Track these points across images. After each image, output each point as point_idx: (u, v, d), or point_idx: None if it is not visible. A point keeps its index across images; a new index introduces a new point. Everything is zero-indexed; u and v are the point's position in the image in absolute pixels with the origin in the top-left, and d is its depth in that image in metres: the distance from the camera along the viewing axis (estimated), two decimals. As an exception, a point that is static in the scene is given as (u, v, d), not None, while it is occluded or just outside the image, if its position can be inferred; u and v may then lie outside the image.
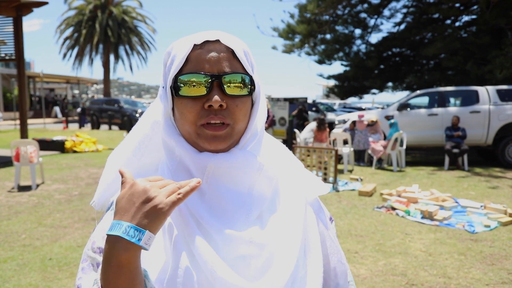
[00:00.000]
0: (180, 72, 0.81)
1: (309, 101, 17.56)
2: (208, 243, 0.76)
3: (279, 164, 0.89)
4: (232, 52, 0.82)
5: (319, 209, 0.96)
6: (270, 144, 0.91)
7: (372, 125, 10.79)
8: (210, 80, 0.79)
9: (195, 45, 0.81)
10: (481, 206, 6.20)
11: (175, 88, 0.81)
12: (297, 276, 0.80)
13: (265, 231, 0.80)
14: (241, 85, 0.81)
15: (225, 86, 0.79)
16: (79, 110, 25.67)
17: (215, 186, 0.81)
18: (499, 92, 10.47)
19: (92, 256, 0.81)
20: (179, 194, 0.68)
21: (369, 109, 24.25)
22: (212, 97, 0.78)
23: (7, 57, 11.41)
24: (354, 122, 11.27)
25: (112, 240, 0.67)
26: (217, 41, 0.82)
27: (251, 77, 0.83)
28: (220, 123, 0.80)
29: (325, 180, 8.04)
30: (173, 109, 0.85)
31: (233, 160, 0.80)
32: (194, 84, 0.79)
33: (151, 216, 0.67)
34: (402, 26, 16.89)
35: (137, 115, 21.72)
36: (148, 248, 0.67)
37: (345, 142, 10.53)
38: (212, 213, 0.79)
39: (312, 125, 10.95)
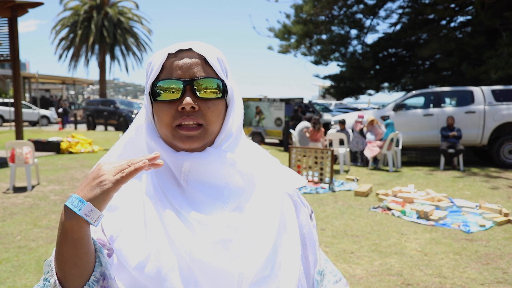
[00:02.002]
0: (157, 79, 0.88)
1: (305, 101, 17.54)
2: (186, 229, 0.81)
3: (256, 161, 0.96)
4: (204, 59, 0.89)
5: (299, 201, 1.01)
6: (247, 145, 0.97)
7: (365, 127, 10.81)
8: (182, 84, 0.85)
9: (169, 54, 0.88)
10: (476, 206, 6.23)
11: (153, 94, 0.88)
12: (275, 261, 0.86)
13: (242, 217, 0.85)
14: (213, 88, 0.87)
15: (196, 90, 0.86)
16: (60, 110, 25.58)
17: (193, 182, 0.87)
18: (494, 92, 10.52)
19: None
20: (123, 173, 0.74)
21: (365, 109, 24.30)
22: (184, 100, 0.85)
23: (2, 58, 11.34)
24: (343, 122, 11.19)
25: (63, 209, 0.74)
26: (190, 49, 0.89)
27: (223, 82, 0.89)
28: (194, 124, 0.86)
29: (321, 180, 8.05)
30: (153, 113, 0.92)
31: (207, 158, 0.86)
32: (168, 89, 0.86)
33: (95, 190, 0.73)
34: (398, 27, 16.96)
35: (133, 115, 21.68)
36: (91, 221, 0.72)
37: (341, 143, 10.55)
38: (191, 204, 0.85)
39: (301, 126, 10.98)
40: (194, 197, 0.85)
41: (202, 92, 0.86)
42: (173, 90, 0.85)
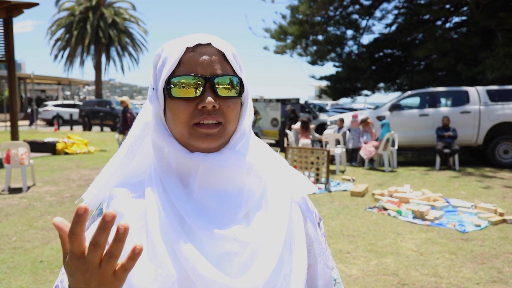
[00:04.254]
0: (172, 74, 0.82)
1: (301, 101, 17.56)
2: (191, 241, 0.77)
3: (266, 163, 0.91)
4: (223, 55, 0.84)
5: (307, 209, 0.97)
6: (256, 144, 0.93)
7: (364, 120, 10.84)
8: (203, 82, 0.81)
9: (187, 48, 0.83)
10: (472, 205, 6.25)
11: (167, 90, 0.83)
12: (281, 273, 0.81)
13: (249, 229, 0.81)
14: (232, 86, 0.83)
15: (217, 88, 0.81)
16: (29, 111, 25.56)
17: (205, 186, 0.82)
18: (489, 92, 10.57)
19: None
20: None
21: (361, 109, 24.36)
22: (205, 99, 0.80)
23: (-3, 59, 11.32)
24: (341, 120, 11.33)
25: None
26: (209, 44, 0.84)
27: (240, 79, 0.85)
28: (213, 123, 0.82)
29: (317, 180, 8.06)
30: (164, 110, 0.86)
31: (224, 160, 0.82)
32: (187, 86, 0.81)
33: None
34: (394, 27, 17.00)
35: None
36: None
37: (337, 143, 10.57)
38: (199, 212, 0.80)
39: (297, 126, 11.07)
40: (203, 204, 0.81)
41: (222, 90, 0.82)
42: (193, 87, 0.81)
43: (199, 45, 0.83)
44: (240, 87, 0.85)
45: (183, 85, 0.81)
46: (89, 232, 0.83)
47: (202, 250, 0.76)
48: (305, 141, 10.22)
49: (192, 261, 0.74)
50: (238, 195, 0.83)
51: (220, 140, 0.82)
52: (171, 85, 0.82)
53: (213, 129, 0.81)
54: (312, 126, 10.86)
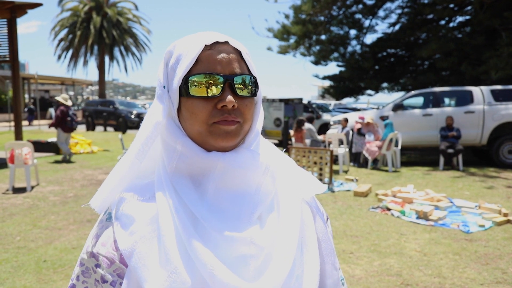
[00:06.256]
0: (190, 72, 0.80)
1: (304, 101, 17.53)
2: (206, 244, 0.75)
3: (277, 163, 0.90)
4: (239, 54, 0.84)
5: (317, 208, 0.96)
6: (265, 144, 0.92)
7: (359, 130, 10.82)
8: (222, 80, 0.80)
9: (205, 45, 0.81)
10: (476, 206, 6.23)
11: (184, 88, 0.81)
12: (294, 274, 0.80)
13: (264, 231, 0.79)
14: (249, 86, 0.82)
15: (236, 87, 0.80)
16: (26, 110, 25.67)
17: (220, 187, 0.80)
18: (493, 92, 10.53)
19: (85, 259, 0.82)
20: None
21: (364, 109, 24.31)
22: (225, 98, 0.79)
23: (1, 59, 11.36)
24: (346, 119, 11.32)
25: None
26: (226, 42, 0.83)
27: (255, 79, 0.85)
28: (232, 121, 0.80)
29: (320, 180, 8.05)
30: (177, 109, 0.84)
31: (242, 159, 0.80)
32: (206, 84, 0.79)
33: None
34: (397, 27, 16.97)
35: (132, 116, 21.68)
36: None
37: (341, 143, 10.55)
38: (214, 213, 0.78)
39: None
40: (217, 204, 0.79)
41: (240, 89, 0.81)
42: (212, 86, 0.79)
43: (216, 43, 0.82)
44: (255, 87, 0.84)
45: (202, 83, 0.79)
46: (102, 240, 0.82)
47: (218, 254, 0.74)
48: (297, 145, 10.16)
49: (209, 266, 0.72)
50: (254, 195, 0.81)
51: (238, 138, 0.81)
52: (189, 84, 0.80)
53: (231, 125, 0.80)
54: (307, 127, 10.74)
